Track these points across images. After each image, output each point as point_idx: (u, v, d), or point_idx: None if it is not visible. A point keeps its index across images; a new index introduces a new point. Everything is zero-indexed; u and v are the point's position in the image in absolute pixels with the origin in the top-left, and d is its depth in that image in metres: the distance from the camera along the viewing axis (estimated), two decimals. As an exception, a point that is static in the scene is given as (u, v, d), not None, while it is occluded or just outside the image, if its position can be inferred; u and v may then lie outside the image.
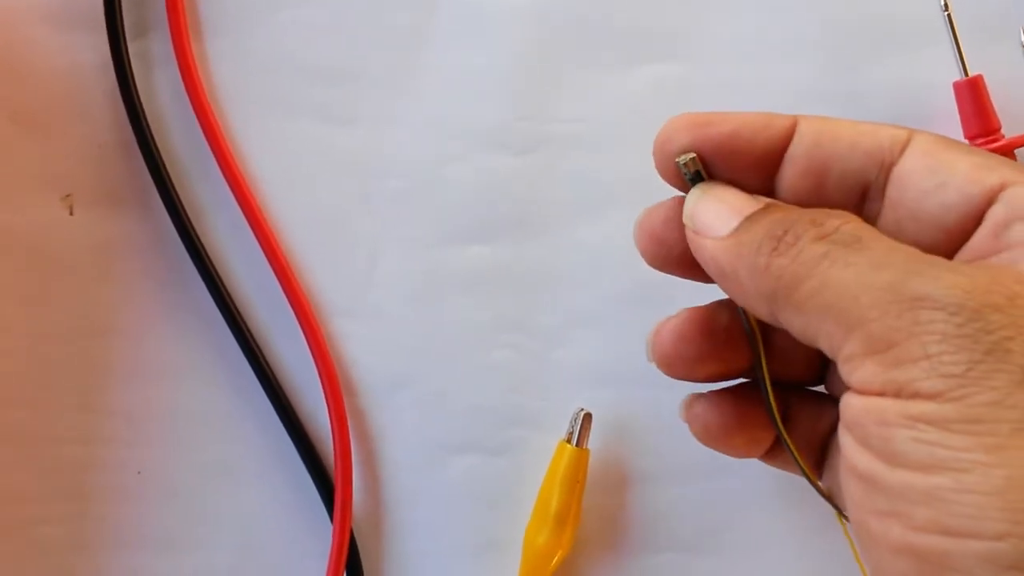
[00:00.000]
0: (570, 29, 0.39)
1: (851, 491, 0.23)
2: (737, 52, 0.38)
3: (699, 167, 0.27)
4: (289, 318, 0.38)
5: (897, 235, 0.26)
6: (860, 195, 0.27)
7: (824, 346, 0.24)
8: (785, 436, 0.28)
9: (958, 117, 0.37)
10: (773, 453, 0.30)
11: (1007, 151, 0.36)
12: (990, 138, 0.36)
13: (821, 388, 0.31)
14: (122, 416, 0.38)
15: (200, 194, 0.39)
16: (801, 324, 0.24)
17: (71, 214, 0.38)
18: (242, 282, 0.38)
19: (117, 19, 0.38)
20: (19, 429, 0.38)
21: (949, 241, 0.25)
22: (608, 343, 0.38)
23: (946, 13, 0.37)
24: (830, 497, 0.29)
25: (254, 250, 0.38)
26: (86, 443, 0.38)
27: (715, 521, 0.37)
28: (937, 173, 0.25)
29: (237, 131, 0.39)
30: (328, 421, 0.37)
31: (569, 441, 0.37)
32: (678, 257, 0.28)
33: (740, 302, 0.26)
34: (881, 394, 0.22)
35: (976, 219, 0.25)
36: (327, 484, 0.37)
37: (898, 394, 0.22)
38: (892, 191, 0.26)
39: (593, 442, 0.37)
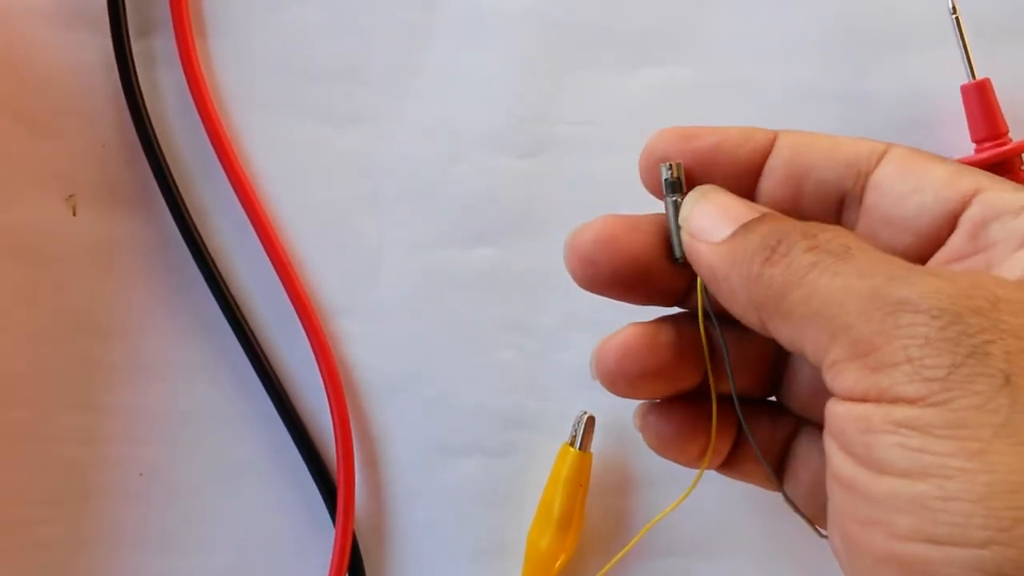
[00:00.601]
0: (573, 30, 0.38)
1: (834, 499, 0.23)
2: (742, 54, 0.38)
3: (681, 175, 0.28)
4: (291, 318, 0.38)
5: (871, 241, 0.26)
6: (837, 204, 0.27)
7: (810, 354, 0.24)
8: (757, 448, 0.29)
9: (965, 120, 0.36)
10: (730, 464, 0.30)
11: (1014, 155, 0.36)
12: (997, 142, 0.36)
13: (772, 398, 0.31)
14: (123, 416, 0.38)
15: (203, 194, 0.38)
16: (788, 332, 0.24)
17: (74, 214, 0.38)
18: (244, 282, 0.38)
19: (121, 19, 0.38)
20: (20, 428, 0.38)
21: (923, 245, 0.26)
22: (611, 345, 0.38)
23: (954, 16, 0.36)
24: (797, 507, 0.29)
25: (257, 250, 0.38)
26: (87, 443, 0.38)
27: (718, 525, 0.37)
28: (912, 178, 0.26)
29: (240, 131, 0.39)
30: (330, 422, 0.37)
31: (572, 444, 0.37)
32: (607, 278, 0.28)
33: (730, 308, 0.26)
34: (864, 399, 0.22)
35: (950, 223, 0.25)
36: (329, 485, 0.37)
37: (880, 398, 0.22)
38: (868, 198, 0.27)
39: (595, 445, 0.37)
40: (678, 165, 0.28)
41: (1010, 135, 0.36)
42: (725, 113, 0.38)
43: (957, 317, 0.21)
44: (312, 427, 0.38)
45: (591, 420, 0.36)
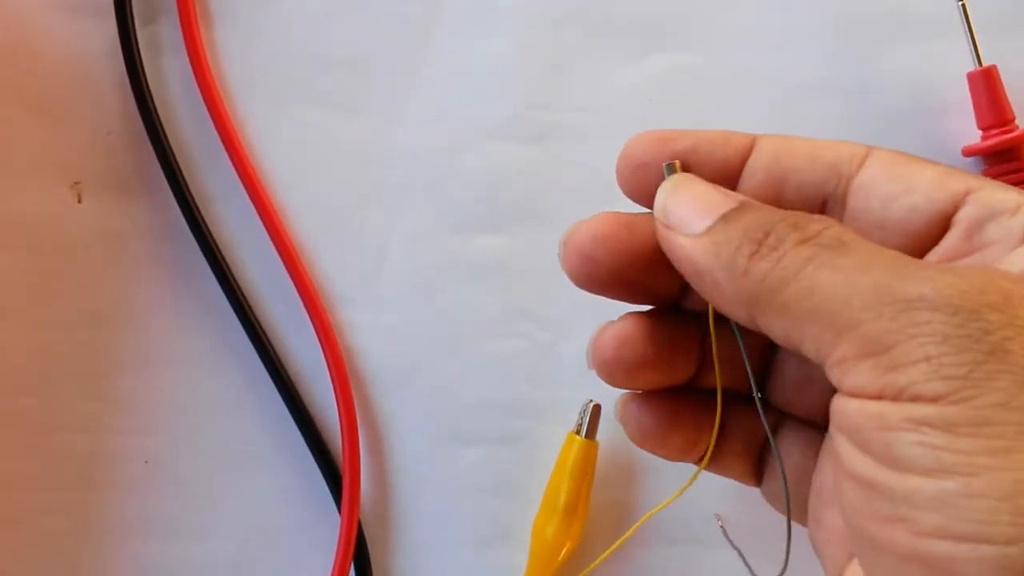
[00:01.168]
0: (580, 18, 0.38)
1: (849, 497, 0.23)
2: (747, 42, 0.38)
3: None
4: (297, 307, 0.38)
5: None
6: (819, 208, 0.27)
7: (810, 350, 0.23)
8: (775, 447, 0.28)
9: (972, 108, 0.36)
10: (711, 458, 0.30)
11: (1021, 142, 0.36)
12: (1004, 129, 0.36)
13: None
14: (129, 405, 0.38)
15: (209, 182, 0.38)
16: (784, 328, 0.24)
17: (79, 202, 0.38)
18: (250, 271, 0.38)
19: (126, 6, 0.38)
20: (26, 417, 0.38)
21: (916, 246, 0.25)
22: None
23: (961, 3, 0.36)
24: (777, 502, 0.29)
25: (263, 239, 0.38)
26: (93, 432, 0.38)
27: (724, 513, 0.37)
28: (901, 180, 0.26)
29: (246, 119, 0.38)
30: (336, 411, 0.37)
31: (578, 433, 0.36)
32: (606, 276, 0.27)
33: (715, 304, 0.25)
34: (879, 397, 0.22)
35: (943, 223, 0.25)
36: (335, 474, 0.37)
37: (897, 397, 0.21)
38: (853, 202, 0.26)
39: (600, 434, 0.37)
40: (680, 165, 0.27)
41: (1017, 122, 0.36)
42: (731, 102, 0.38)
43: (975, 314, 0.21)
44: (318, 416, 0.38)
45: (597, 408, 0.36)
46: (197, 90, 0.38)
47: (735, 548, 0.28)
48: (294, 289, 0.38)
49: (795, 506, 0.28)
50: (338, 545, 0.37)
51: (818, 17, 0.38)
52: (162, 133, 0.38)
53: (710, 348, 0.28)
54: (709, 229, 0.25)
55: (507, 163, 0.38)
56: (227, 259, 0.38)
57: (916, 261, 0.23)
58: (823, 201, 0.27)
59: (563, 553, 0.36)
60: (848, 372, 0.22)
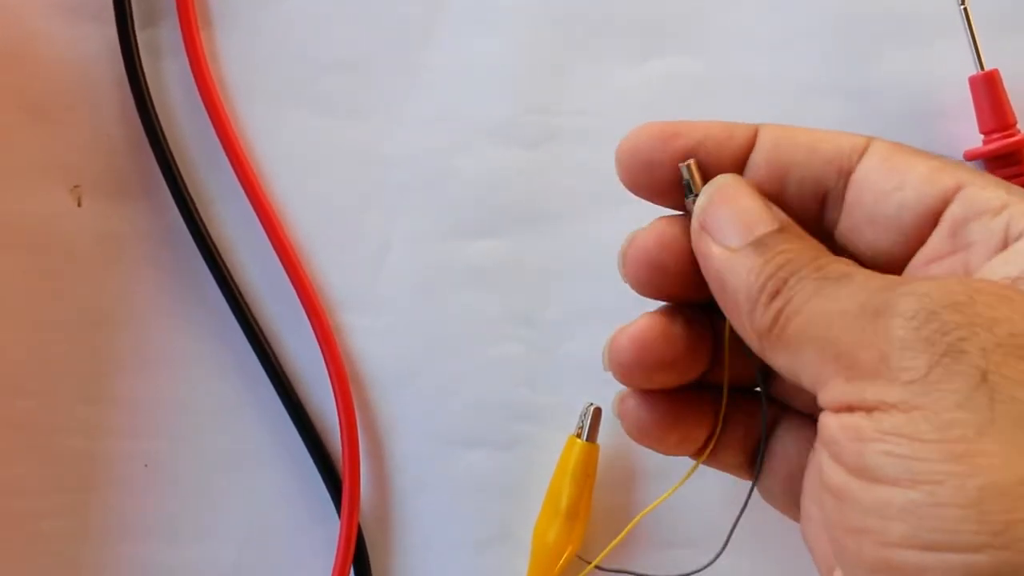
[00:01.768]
0: (580, 21, 0.38)
1: (826, 508, 0.23)
2: (748, 45, 0.38)
3: (698, 175, 0.27)
4: (297, 310, 0.38)
5: (855, 239, 0.26)
6: (820, 202, 0.27)
7: (807, 380, 0.23)
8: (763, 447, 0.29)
9: (973, 111, 0.36)
10: (705, 452, 0.30)
11: (1023, 146, 0.36)
12: (1006, 133, 0.36)
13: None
14: (128, 407, 0.38)
15: (208, 185, 0.38)
16: (786, 362, 0.24)
17: (79, 204, 0.38)
18: (250, 273, 0.38)
19: (126, 8, 0.38)
20: (25, 420, 0.38)
21: (906, 243, 0.25)
22: (617, 337, 0.38)
23: (962, 7, 0.36)
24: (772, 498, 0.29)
25: (262, 242, 0.38)
26: (92, 434, 0.38)
27: (725, 516, 0.37)
28: (894, 175, 0.25)
29: (246, 122, 0.38)
30: (335, 414, 0.37)
31: (579, 436, 0.36)
32: (673, 279, 0.27)
33: (730, 318, 0.26)
34: (850, 409, 0.22)
35: (932, 220, 0.25)
36: (334, 477, 0.37)
37: (865, 407, 0.21)
38: (850, 195, 0.26)
39: (601, 437, 0.37)
40: (696, 164, 0.27)
41: (1018, 126, 0.36)
42: (731, 103, 0.38)
43: (932, 315, 0.21)
44: (317, 419, 0.38)
45: (598, 412, 0.36)
46: (196, 92, 0.38)
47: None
48: (293, 291, 0.38)
49: (789, 501, 0.28)
50: (338, 547, 0.37)
51: (818, 18, 0.38)
52: (161, 135, 0.38)
53: (722, 344, 0.28)
54: (743, 249, 0.25)
55: (507, 166, 0.38)
56: (226, 261, 0.38)
57: (904, 279, 0.23)
58: (824, 195, 0.27)
59: (564, 556, 0.36)
60: (827, 389, 0.23)
